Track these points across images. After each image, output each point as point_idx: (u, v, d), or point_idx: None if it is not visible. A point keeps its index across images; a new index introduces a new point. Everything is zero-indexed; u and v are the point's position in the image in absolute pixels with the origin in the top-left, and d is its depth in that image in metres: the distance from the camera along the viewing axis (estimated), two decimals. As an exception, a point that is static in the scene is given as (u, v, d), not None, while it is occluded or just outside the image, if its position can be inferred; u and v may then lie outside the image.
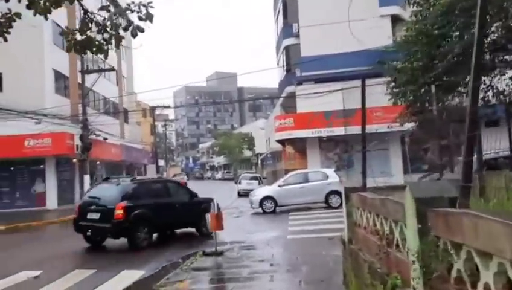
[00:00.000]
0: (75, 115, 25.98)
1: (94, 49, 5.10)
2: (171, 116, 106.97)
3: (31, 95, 23.54)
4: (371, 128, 23.54)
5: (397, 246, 3.91)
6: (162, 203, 11.75)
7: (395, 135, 23.56)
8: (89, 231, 11.42)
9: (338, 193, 17.40)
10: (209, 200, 14.21)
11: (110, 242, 13.17)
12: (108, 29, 5.00)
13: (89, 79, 26.91)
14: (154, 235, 12.19)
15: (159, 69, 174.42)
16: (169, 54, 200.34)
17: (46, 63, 25.36)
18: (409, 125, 22.33)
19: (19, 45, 23.90)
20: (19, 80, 24.20)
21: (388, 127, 22.59)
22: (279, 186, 18.11)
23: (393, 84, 12.24)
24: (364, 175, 7.28)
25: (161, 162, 67.00)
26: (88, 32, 5.00)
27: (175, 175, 56.03)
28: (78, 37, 5.04)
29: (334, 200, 17.52)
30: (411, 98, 11.65)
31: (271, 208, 17.56)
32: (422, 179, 20.35)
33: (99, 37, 5.15)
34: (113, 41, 5.10)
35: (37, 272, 8.72)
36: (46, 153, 24.54)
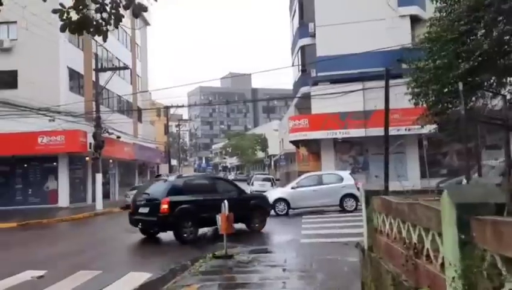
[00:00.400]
0: (88, 112, 25.87)
1: (91, 29, 4.69)
2: (185, 117, 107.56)
3: (46, 93, 23.50)
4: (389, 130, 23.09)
5: (427, 257, 3.49)
6: (208, 198, 12.03)
7: (413, 138, 22.94)
8: (140, 224, 12.25)
9: (353, 196, 16.94)
10: (259, 197, 14.62)
11: (122, 242, 12.91)
12: (107, 7, 4.61)
13: (104, 77, 26.85)
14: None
15: (174, 69, 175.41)
16: (184, 55, 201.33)
17: (61, 60, 25.33)
18: (428, 128, 21.79)
19: (34, 42, 24.04)
20: (34, 77, 24.19)
21: (406, 130, 22.01)
22: (292, 188, 17.69)
23: (414, 83, 11.70)
24: (387, 178, 6.78)
25: (174, 162, 67.05)
26: (85, 10, 4.61)
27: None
28: (74, 16, 4.66)
29: (349, 204, 17.09)
30: (433, 98, 11.11)
31: (284, 210, 17.13)
32: (441, 183, 19.74)
33: (97, 20, 4.75)
34: (112, 21, 4.70)
35: (41, 272, 8.44)
36: (59, 151, 24.48)
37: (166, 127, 50.10)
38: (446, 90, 10.18)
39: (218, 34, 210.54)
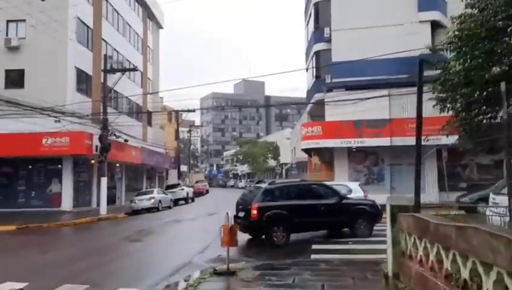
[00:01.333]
0: (96, 113, 25.21)
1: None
2: (197, 123, 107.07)
3: (52, 93, 22.95)
4: (405, 140, 22.00)
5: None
6: (301, 204, 12.40)
7: (431, 149, 21.77)
8: (239, 227, 12.16)
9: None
10: (366, 202, 13.94)
11: (119, 252, 12.07)
12: None
13: (113, 80, 26.25)
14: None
15: (187, 74, 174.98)
16: (197, 60, 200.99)
17: (69, 60, 24.79)
18: (448, 138, 20.66)
19: (42, 41, 23.57)
20: (41, 77, 23.69)
21: (425, 140, 20.86)
22: None
23: (440, 87, 10.67)
24: (418, 191, 5.84)
25: (184, 168, 66.42)
26: None
27: (197, 182, 55.05)
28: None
29: None
30: (462, 103, 10.05)
31: None
32: (462, 197, 18.56)
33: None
34: None
35: (22, 285, 7.60)
36: (64, 153, 23.85)
37: (177, 132, 49.53)
38: (477, 94, 9.16)
39: (233, 39, 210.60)
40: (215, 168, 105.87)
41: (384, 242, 5.28)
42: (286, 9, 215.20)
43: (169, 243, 13.84)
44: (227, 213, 8.86)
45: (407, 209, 4.69)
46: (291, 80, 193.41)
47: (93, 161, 26.16)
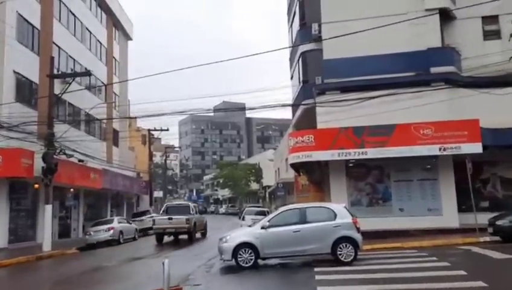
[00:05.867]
0: (41, 125, 20.77)
1: None
2: (178, 149, 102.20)
3: (-17, 102, 18.58)
4: (415, 150, 18.13)
5: None
6: None
7: (447, 160, 17.96)
8: None
9: (351, 240, 11.58)
10: None
11: None
12: None
13: (71, 92, 22.02)
14: None
15: (164, 96, 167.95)
16: (175, 82, 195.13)
17: (6, 63, 20.42)
18: (469, 148, 16.91)
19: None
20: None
21: (440, 150, 17.06)
22: (262, 227, 12.03)
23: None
24: None
25: (160, 193, 61.55)
26: None
27: (173, 208, 50.18)
28: None
29: (345, 252, 11.49)
30: None
31: (250, 260, 11.62)
32: (497, 220, 14.65)
33: None
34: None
35: None
36: (-5, 175, 19.26)
37: (150, 153, 45.04)
38: None
39: (212, 62, 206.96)
40: (194, 194, 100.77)
41: None
42: (266, 29, 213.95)
43: None
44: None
45: None
46: (274, 99, 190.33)
47: (36, 185, 21.55)
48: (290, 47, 25.93)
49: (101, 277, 12.30)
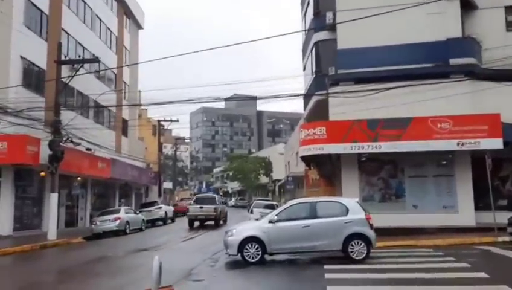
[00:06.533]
0: (48, 109, 20.43)
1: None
2: (188, 140, 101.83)
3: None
4: (431, 144, 17.38)
5: None
6: None
7: (465, 156, 17.22)
8: None
9: (363, 237, 10.97)
10: None
11: None
12: None
13: (79, 78, 21.71)
14: None
15: (174, 84, 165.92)
16: (188, 73, 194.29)
17: (13, 48, 20.10)
18: (489, 143, 16.14)
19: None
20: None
21: (459, 145, 16.31)
22: (270, 221, 11.49)
23: None
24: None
25: (169, 185, 61.35)
26: None
27: (182, 199, 49.98)
28: None
29: (357, 249, 10.87)
30: None
31: (256, 255, 11.14)
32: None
33: None
34: None
35: None
36: (1, 162, 18.96)
37: (159, 144, 44.77)
38: None
39: (225, 54, 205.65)
40: (204, 186, 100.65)
41: None
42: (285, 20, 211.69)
43: None
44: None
45: None
46: (284, 95, 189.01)
47: (42, 173, 21.26)
48: (301, 31, 25.38)
49: (102, 269, 11.87)
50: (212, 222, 26.28)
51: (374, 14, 16.01)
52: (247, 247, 11.19)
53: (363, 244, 10.96)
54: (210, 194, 38.34)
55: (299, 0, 28.69)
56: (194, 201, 27.50)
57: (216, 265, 11.50)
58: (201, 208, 25.65)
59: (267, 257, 11.63)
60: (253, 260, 11.09)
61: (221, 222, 27.53)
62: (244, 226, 12.50)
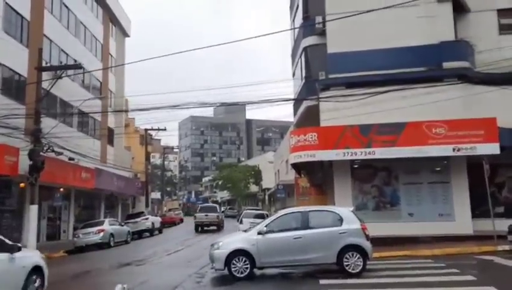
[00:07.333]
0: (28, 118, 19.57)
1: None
2: (177, 150, 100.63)
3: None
4: (425, 150, 16.85)
5: None
6: None
7: (460, 161, 16.73)
8: None
9: (359, 248, 10.32)
10: None
11: None
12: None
13: (62, 86, 20.86)
14: None
15: (164, 96, 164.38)
16: (175, 78, 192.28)
17: (-9, 54, 19.25)
18: (485, 148, 15.68)
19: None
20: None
21: (454, 150, 15.82)
22: (259, 233, 10.72)
23: None
24: None
25: (158, 195, 60.29)
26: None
27: (170, 210, 49.00)
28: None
29: (353, 262, 10.28)
30: None
31: (245, 270, 10.39)
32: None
33: None
34: None
35: None
36: (-23, 173, 18.03)
37: (146, 152, 43.85)
38: None
39: (214, 64, 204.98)
40: (193, 195, 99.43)
41: None
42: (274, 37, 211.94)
43: None
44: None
45: None
46: (273, 107, 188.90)
47: (22, 184, 20.32)
48: (290, 29, 24.94)
49: (76, 287, 11.03)
50: (214, 227, 32.13)
51: (364, 17, 15.56)
52: (235, 261, 10.44)
53: (358, 256, 10.30)
54: (211, 204, 43.69)
55: (288, 7, 28.27)
56: (199, 210, 33.01)
57: (203, 281, 10.72)
58: (206, 215, 31.57)
59: (257, 272, 10.89)
60: (241, 275, 10.35)
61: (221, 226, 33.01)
62: (231, 238, 11.74)
